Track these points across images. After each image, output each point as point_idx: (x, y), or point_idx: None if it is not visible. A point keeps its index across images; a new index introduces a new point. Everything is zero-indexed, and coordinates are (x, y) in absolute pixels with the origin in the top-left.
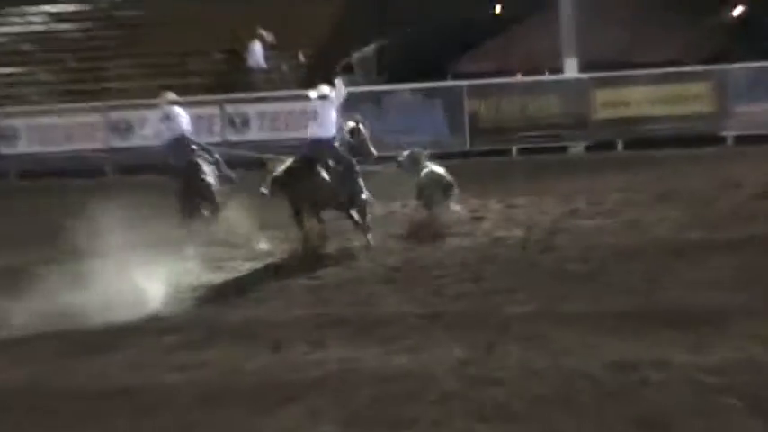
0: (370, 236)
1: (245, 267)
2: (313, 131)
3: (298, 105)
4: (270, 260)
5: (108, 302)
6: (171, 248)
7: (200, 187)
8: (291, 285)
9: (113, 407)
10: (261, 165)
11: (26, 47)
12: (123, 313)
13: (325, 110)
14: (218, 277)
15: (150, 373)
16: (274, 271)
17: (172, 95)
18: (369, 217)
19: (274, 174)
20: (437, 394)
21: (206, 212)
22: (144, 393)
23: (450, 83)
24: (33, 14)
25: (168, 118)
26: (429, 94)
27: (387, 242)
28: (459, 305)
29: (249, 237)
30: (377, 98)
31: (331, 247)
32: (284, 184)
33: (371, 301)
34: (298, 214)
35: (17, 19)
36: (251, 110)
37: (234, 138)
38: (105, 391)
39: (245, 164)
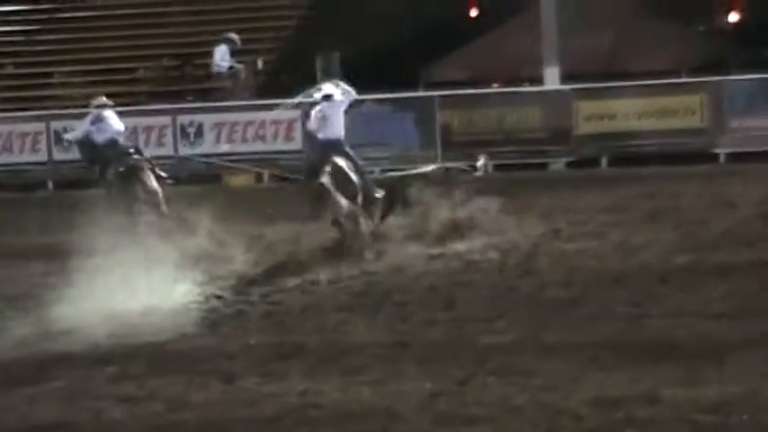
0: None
1: (196, 290)
2: (324, 134)
3: (258, 115)
4: (224, 282)
5: (38, 330)
6: (113, 269)
7: (145, 191)
8: (247, 311)
9: None
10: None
11: None
12: (55, 342)
13: (333, 110)
14: (164, 301)
15: (88, 406)
16: (228, 295)
17: (103, 99)
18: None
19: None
20: None
21: (146, 218)
22: (80, 429)
23: (420, 93)
24: None
25: (100, 120)
26: (398, 104)
27: (350, 266)
28: (429, 334)
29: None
30: None
31: (290, 270)
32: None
33: (334, 329)
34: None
35: None
36: (206, 119)
37: (187, 150)
38: (34, 427)
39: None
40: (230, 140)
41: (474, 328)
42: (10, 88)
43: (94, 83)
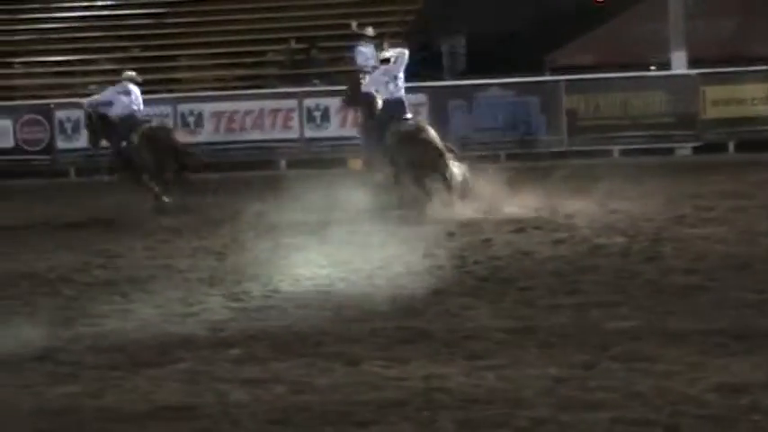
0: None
1: (320, 274)
2: (390, 94)
3: None
4: (349, 266)
5: (160, 313)
6: (232, 251)
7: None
8: (371, 294)
9: (166, 428)
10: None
11: (89, 33)
12: (180, 325)
13: (396, 71)
14: (287, 284)
15: (211, 388)
16: (354, 278)
17: (132, 74)
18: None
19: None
20: (527, 420)
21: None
22: (204, 412)
23: (546, 77)
24: None
25: (127, 93)
26: (523, 89)
27: (475, 250)
28: (552, 320)
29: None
30: (466, 93)
31: (414, 255)
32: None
33: (458, 314)
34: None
35: (82, 3)
36: (332, 103)
37: (312, 134)
38: (159, 409)
39: None
40: (356, 124)
41: (598, 313)
42: (137, 71)
43: (221, 66)
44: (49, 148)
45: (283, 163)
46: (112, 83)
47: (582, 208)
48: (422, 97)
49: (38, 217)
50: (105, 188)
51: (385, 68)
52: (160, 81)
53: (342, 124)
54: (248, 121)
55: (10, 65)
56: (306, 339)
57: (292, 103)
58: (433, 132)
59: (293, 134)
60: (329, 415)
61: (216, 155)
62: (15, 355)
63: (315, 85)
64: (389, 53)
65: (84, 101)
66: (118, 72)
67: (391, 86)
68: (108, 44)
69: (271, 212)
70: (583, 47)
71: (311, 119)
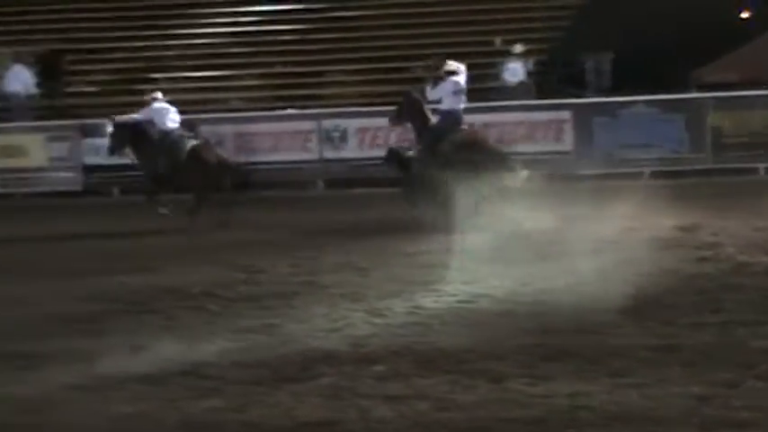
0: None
1: (462, 291)
2: (455, 105)
3: (529, 116)
4: (489, 284)
5: (303, 329)
6: (380, 267)
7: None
8: (514, 311)
9: None
10: None
11: (234, 49)
12: (323, 340)
13: (463, 85)
14: (428, 301)
15: (354, 404)
16: (494, 295)
17: (159, 94)
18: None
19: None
20: None
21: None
22: (346, 427)
23: (693, 95)
24: (244, 14)
25: (166, 112)
26: (668, 105)
27: (618, 267)
28: (696, 338)
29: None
30: (611, 110)
31: (558, 271)
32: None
33: (601, 331)
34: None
35: (226, 19)
36: (478, 119)
37: None
38: (301, 425)
39: None
40: (500, 141)
41: (743, 331)
42: (280, 87)
43: (365, 82)
44: None
45: None
46: (256, 99)
47: (726, 226)
48: (566, 114)
49: (181, 231)
50: (250, 203)
51: (455, 80)
52: (304, 97)
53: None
54: (393, 137)
55: (155, 80)
56: (449, 356)
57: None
58: (490, 140)
59: None
60: None
61: (360, 171)
62: (159, 369)
63: None
64: (455, 65)
65: (122, 118)
66: (262, 87)
67: (456, 98)
68: (252, 60)
69: (414, 228)
70: (728, 64)
71: None
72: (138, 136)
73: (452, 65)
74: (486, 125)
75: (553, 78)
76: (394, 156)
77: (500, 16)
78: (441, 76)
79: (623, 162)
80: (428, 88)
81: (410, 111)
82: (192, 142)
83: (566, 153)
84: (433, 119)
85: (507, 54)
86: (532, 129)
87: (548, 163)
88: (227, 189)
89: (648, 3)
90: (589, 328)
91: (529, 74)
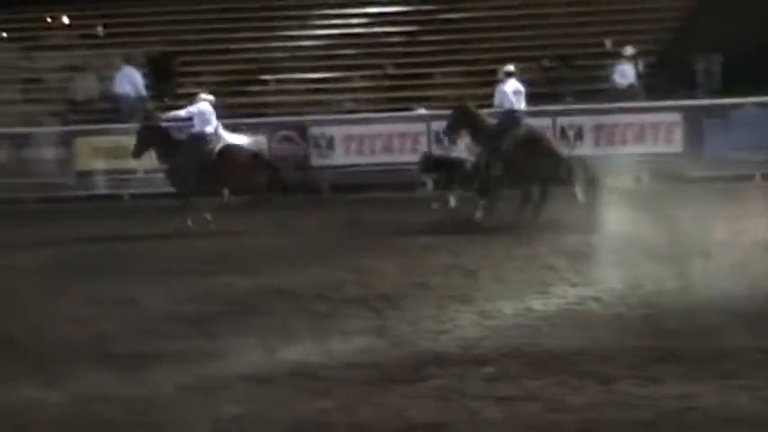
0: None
1: (571, 293)
2: (518, 105)
3: (639, 117)
4: (598, 286)
5: (413, 330)
6: (489, 269)
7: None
8: (623, 313)
9: None
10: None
11: (344, 51)
12: (433, 341)
13: (521, 87)
14: (537, 303)
15: (464, 405)
16: (607, 297)
17: (208, 95)
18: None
19: None
20: None
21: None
22: (456, 429)
23: None
24: (354, 16)
25: (205, 113)
26: None
27: (729, 270)
28: None
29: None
30: (722, 112)
31: (667, 273)
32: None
33: (711, 333)
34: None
35: (336, 21)
36: (586, 122)
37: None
38: (411, 426)
39: None
40: (610, 142)
41: None
42: (390, 88)
43: (475, 84)
44: (304, 164)
45: None
46: (367, 100)
47: None
48: (676, 116)
49: (290, 233)
50: (358, 204)
51: (513, 81)
52: (414, 99)
53: (596, 143)
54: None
55: (265, 82)
56: (559, 358)
57: (546, 121)
58: (553, 138)
59: None
60: None
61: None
62: (269, 370)
63: (568, 103)
64: (512, 67)
65: (165, 115)
66: (372, 89)
67: (515, 99)
68: (361, 61)
69: (519, 230)
70: None
71: (565, 137)
72: (162, 139)
73: (510, 67)
74: (597, 127)
75: (663, 80)
76: (427, 160)
77: (610, 18)
78: (500, 79)
79: (734, 164)
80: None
81: (463, 119)
82: (223, 143)
83: (676, 155)
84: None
85: (617, 56)
86: (642, 131)
87: (658, 165)
88: (262, 188)
89: (757, 3)
90: (699, 330)
91: (639, 76)
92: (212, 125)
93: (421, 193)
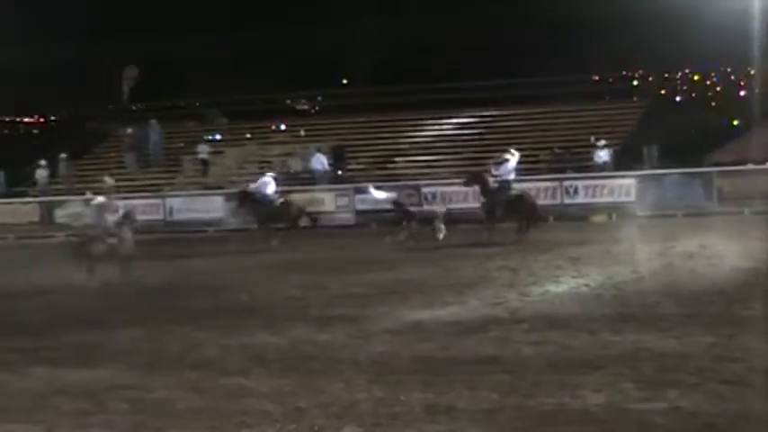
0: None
1: (572, 282)
2: (509, 177)
3: (614, 181)
4: (587, 278)
5: (480, 303)
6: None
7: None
8: (602, 294)
9: (483, 369)
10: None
11: (439, 142)
12: (491, 309)
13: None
14: (554, 287)
15: (509, 347)
16: (591, 285)
17: (270, 172)
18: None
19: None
20: None
21: None
22: (505, 360)
23: None
24: (445, 120)
25: (269, 182)
26: None
27: (667, 269)
28: None
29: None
30: (658, 178)
31: (627, 270)
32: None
33: (653, 305)
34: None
35: (434, 124)
36: (580, 183)
37: (569, 200)
38: (478, 359)
39: None
40: (594, 195)
41: None
42: (467, 166)
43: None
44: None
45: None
46: (453, 173)
47: None
48: (632, 180)
49: (412, 248)
50: (449, 231)
51: (512, 162)
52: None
53: (585, 195)
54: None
55: (395, 162)
56: (565, 319)
57: (555, 183)
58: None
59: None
60: None
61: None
62: (399, 325)
63: (569, 172)
64: (512, 153)
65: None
66: (456, 166)
67: (511, 173)
68: (451, 149)
69: (549, 244)
70: None
71: (567, 192)
72: (251, 200)
73: (513, 152)
74: (586, 186)
75: (624, 159)
76: (399, 206)
77: (593, 123)
78: (502, 161)
79: (665, 208)
80: (493, 168)
81: (476, 180)
82: (281, 200)
83: (631, 203)
84: (494, 184)
85: (596, 146)
86: (612, 188)
87: (621, 209)
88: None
89: (686, 112)
90: (646, 303)
91: (609, 157)
92: (272, 189)
93: (478, 226)
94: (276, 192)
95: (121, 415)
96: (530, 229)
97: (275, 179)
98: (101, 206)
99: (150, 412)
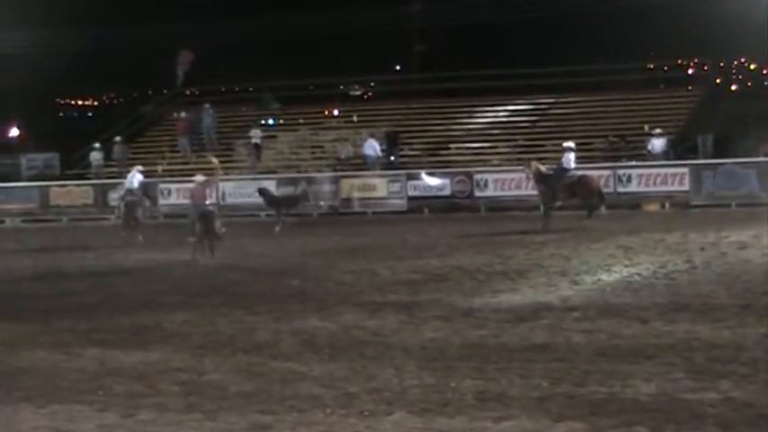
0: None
1: (624, 271)
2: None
3: (668, 170)
4: (639, 267)
5: (532, 291)
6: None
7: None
8: (654, 283)
9: (534, 357)
10: None
11: (493, 129)
12: (543, 296)
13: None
14: (605, 276)
15: (561, 334)
16: (643, 273)
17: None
18: None
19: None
20: None
21: None
22: (556, 348)
23: None
24: (498, 107)
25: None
26: None
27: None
28: None
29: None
30: (712, 167)
31: (680, 260)
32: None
33: (710, 295)
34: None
35: (488, 111)
36: (634, 172)
37: (621, 189)
38: (529, 346)
39: None
40: (647, 185)
41: None
42: (520, 153)
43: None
44: (470, 195)
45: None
46: (505, 160)
47: None
48: (685, 170)
49: (463, 236)
50: (501, 219)
51: (572, 152)
52: (534, 158)
53: (638, 184)
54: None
55: (449, 148)
56: (616, 308)
57: (609, 172)
58: (593, 179)
59: None
60: None
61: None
62: (452, 312)
63: (623, 161)
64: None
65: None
66: (509, 153)
67: (572, 161)
68: (504, 136)
69: (594, 233)
70: None
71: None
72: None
73: (570, 143)
74: (639, 175)
75: (679, 149)
76: (263, 192)
77: (647, 111)
78: (568, 148)
79: (719, 198)
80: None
81: (531, 168)
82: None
83: (685, 192)
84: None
85: (651, 135)
86: (666, 177)
87: (674, 198)
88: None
89: (739, 103)
90: (701, 293)
91: (665, 146)
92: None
93: (536, 213)
94: (141, 183)
95: (173, 397)
96: (594, 211)
97: (141, 172)
98: (200, 185)
99: (201, 395)
